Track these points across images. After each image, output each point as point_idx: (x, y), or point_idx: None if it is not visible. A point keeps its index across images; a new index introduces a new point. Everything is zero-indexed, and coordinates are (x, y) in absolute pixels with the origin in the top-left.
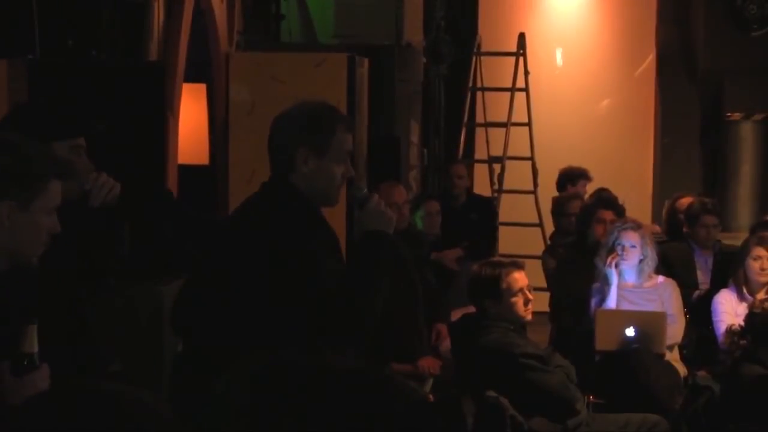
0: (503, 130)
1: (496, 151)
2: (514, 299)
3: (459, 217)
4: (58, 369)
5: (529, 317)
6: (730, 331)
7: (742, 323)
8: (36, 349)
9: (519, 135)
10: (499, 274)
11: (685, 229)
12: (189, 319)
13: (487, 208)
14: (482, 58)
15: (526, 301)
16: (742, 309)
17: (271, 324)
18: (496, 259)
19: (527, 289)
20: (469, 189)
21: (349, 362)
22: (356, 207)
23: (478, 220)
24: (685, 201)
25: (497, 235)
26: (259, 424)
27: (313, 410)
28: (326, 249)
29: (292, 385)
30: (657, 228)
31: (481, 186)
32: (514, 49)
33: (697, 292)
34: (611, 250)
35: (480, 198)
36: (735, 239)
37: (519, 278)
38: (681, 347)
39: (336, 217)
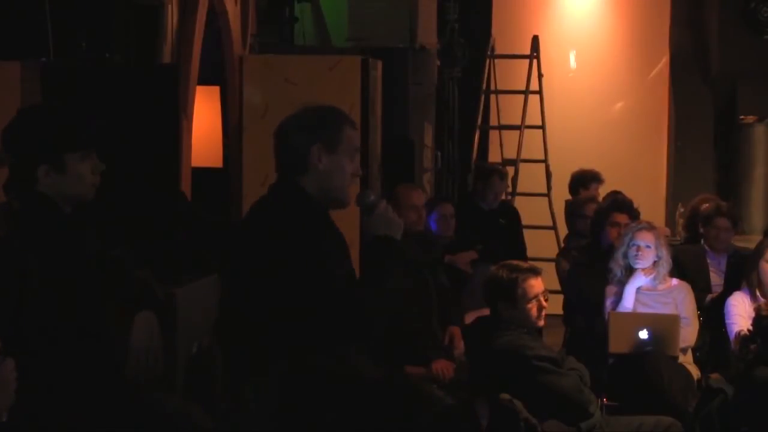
0: (517, 132)
1: (510, 153)
2: (528, 306)
3: (486, 219)
4: (77, 368)
5: (541, 323)
6: (739, 337)
7: (751, 327)
8: None
9: (532, 138)
10: (515, 279)
11: (700, 231)
12: (221, 324)
13: (516, 215)
14: (496, 60)
15: (540, 308)
16: None
17: (283, 328)
18: (516, 262)
19: (543, 296)
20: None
21: (376, 369)
22: (364, 213)
23: (508, 225)
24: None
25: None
26: (286, 428)
27: (339, 416)
28: (336, 252)
29: (319, 391)
30: (667, 230)
31: None
32: (527, 51)
33: (710, 295)
34: (626, 251)
35: (508, 203)
36: (748, 242)
37: (535, 285)
38: (694, 350)
39: (349, 221)
